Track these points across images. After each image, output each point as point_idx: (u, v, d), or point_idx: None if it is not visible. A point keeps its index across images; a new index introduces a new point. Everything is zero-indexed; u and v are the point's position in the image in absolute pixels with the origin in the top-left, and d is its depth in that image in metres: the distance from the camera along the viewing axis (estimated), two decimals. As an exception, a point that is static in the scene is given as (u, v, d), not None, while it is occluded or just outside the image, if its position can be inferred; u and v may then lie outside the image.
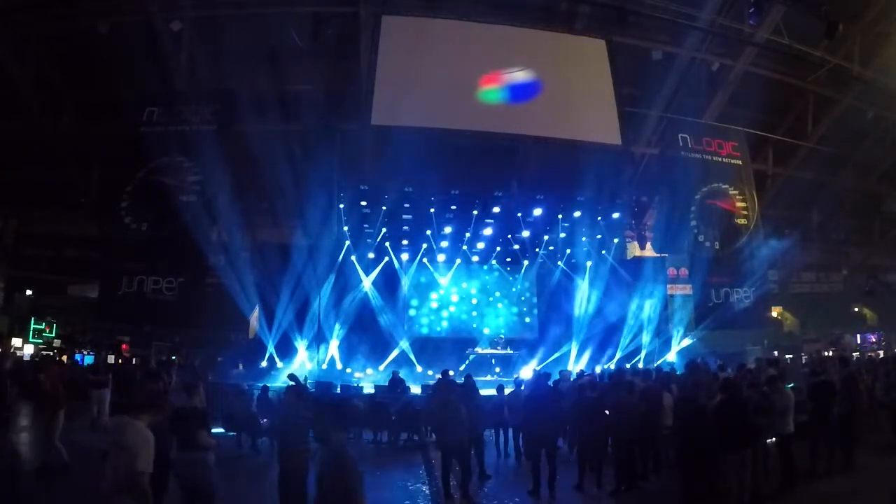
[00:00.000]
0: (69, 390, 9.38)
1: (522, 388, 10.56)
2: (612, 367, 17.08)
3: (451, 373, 13.71)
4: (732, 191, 17.98)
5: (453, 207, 18.12)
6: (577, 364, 18.63)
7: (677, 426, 7.76)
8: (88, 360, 18.28)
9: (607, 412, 8.21)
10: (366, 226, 18.53)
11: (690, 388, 8.46)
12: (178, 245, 14.52)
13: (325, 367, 17.92)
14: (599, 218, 18.99)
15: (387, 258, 20.21)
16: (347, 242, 18.76)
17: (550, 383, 9.26)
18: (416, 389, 14.42)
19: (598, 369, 17.02)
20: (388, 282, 20.36)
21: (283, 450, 5.61)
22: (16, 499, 6.86)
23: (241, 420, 11.03)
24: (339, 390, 14.35)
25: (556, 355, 19.53)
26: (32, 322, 19.68)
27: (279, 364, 17.72)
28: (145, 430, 3.92)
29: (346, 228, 18.23)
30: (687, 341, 18.97)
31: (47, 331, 20.17)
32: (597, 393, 8.96)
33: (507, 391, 10.76)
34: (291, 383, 6.56)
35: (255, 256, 17.74)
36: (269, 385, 13.24)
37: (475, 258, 21.31)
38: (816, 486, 7.82)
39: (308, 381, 14.95)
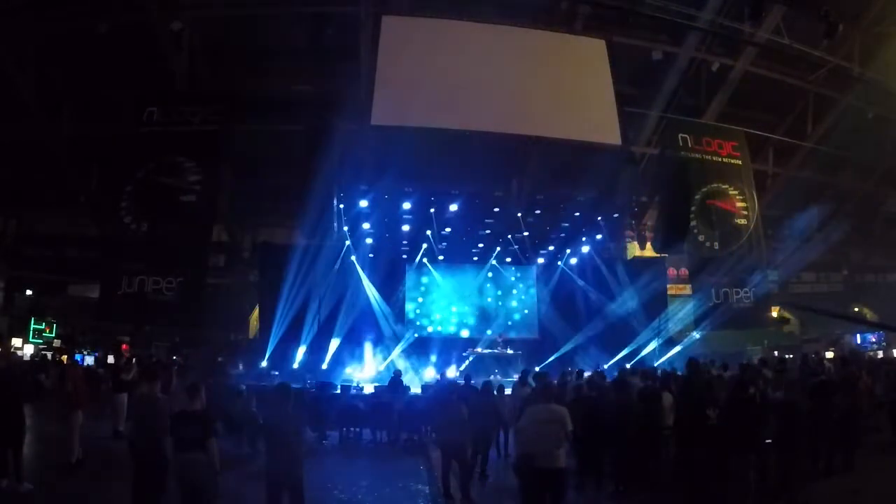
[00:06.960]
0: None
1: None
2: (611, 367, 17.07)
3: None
4: (732, 191, 17.95)
5: (453, 207, 18.11)
6: (576, 365, 18.63)
7: (679, 426, 7.74)
8: (88, 360, 18.28)
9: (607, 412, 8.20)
10: (366, 226, 18.52)
11: (691, 387, 8.42)
12: (178, 245, 14.48)
13: (325, 367, 17.91)
14: (599, 218, 18.98)
15: (386, 258, 20.20)
16: (347, 242, 18.74)
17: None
18: (415, 389, 14.41)
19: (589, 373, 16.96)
20: (389, 282, 20.35)
21: (275, 448, 5.63)
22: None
23: (241, 420, 11.02)
24: (338, 390, 14.34)
25: (557, 355, 19.52)
26: (32, 322, 19.70)
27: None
28: (553, 407, 6.05)
29: (346, 228, 18.21)
30: (687, 342, 18.97)
31: (47, 331, 20.22)
32: (595, 392, 8.94)
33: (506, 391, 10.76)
34: (281, 382, 6.64)
35: (255, 256, 17.72)
36: (266, 385, 13.22)
37: (475, 258, 21.30)
38: (816, 486, 7.81)
39: (308, 381, 14.97)
